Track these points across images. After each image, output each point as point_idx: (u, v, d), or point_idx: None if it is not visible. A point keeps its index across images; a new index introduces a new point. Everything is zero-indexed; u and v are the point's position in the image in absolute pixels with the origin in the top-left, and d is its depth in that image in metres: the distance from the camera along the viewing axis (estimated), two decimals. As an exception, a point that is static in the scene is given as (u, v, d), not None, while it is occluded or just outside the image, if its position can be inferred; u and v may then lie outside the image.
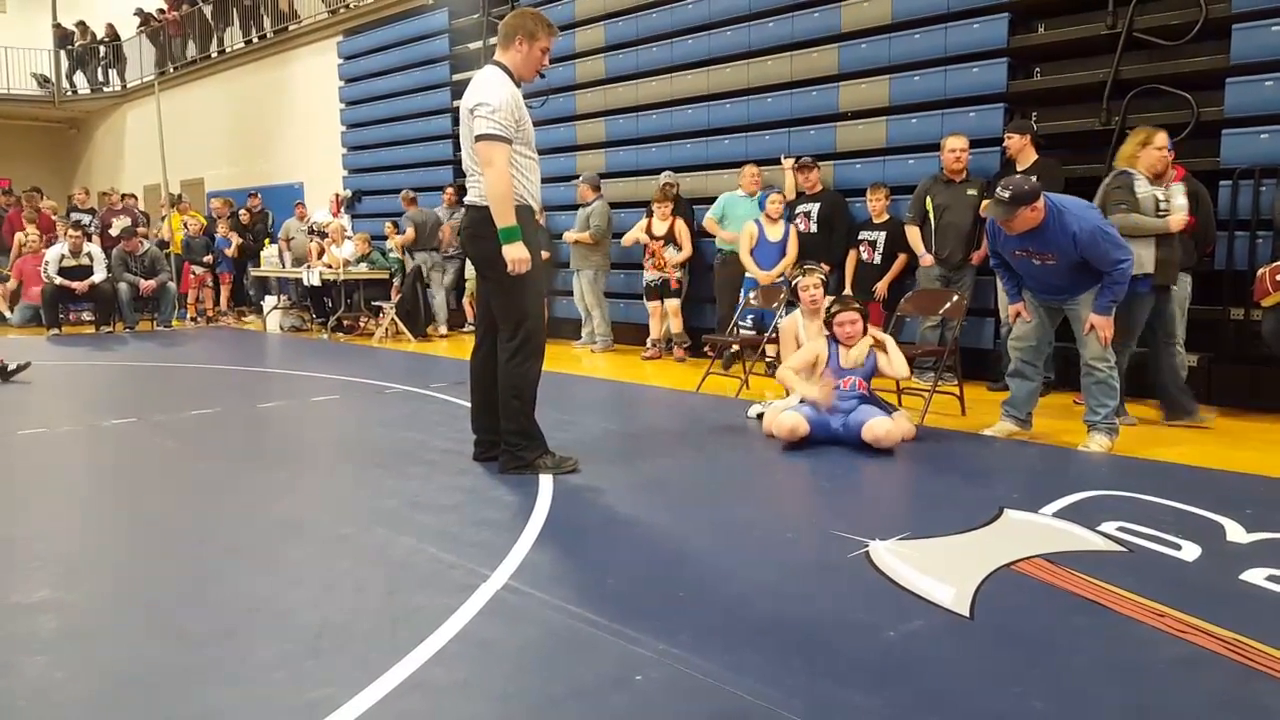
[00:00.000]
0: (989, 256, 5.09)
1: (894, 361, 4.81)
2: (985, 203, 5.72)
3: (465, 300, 10.96)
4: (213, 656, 2.31)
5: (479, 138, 3.87)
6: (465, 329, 10.93)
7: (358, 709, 2.01)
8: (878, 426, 4.42)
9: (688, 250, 8.27)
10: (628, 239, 8.56)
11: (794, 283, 5.34)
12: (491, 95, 3.89)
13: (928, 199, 6.64)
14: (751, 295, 6.98)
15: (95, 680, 2.22)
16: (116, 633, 2.50)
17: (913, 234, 6.74)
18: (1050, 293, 4.72)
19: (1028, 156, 6.19)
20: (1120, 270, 4.43)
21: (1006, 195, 4.39)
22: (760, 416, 5.16)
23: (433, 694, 2.10)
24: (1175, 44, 6.10)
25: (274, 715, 2.01)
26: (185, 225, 13.04)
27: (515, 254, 3.90)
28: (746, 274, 7.38)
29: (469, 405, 4.40)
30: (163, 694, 2.12)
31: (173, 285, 11.85)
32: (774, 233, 7.13)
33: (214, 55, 17.52)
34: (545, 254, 8.99)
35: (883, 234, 7.03)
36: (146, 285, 11.15)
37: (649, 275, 8.39)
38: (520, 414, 4.13)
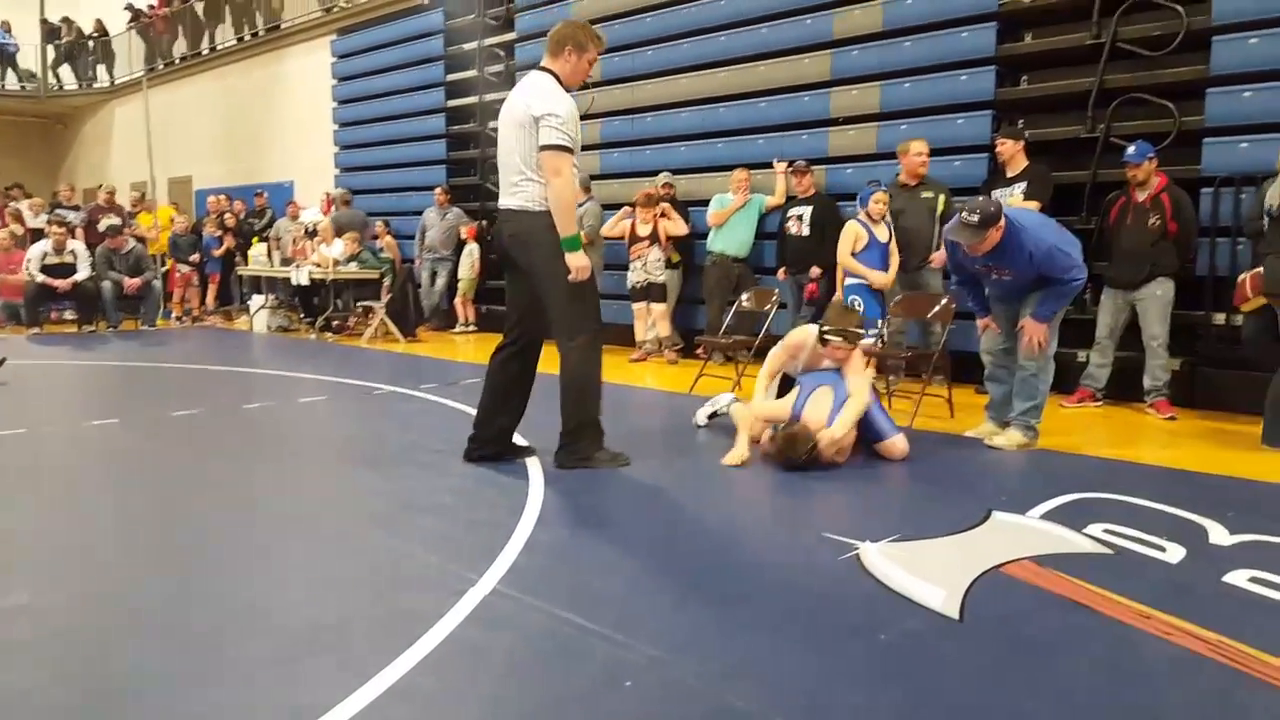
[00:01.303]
0: (949, 270, 5.16)
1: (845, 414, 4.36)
2: (855, 223, 6.06)
3: (457, 300, 10.98)
4: (198, 660, 2.29)
5: (548, 147, 3.93)
6: (456, 330, 10.96)
7: (346, 714, 2.00)
8: (894, 448, 4.47)
9: (683, 228, 8.36)
10: (606, 228, 8.62)
11: (824, 333, 4.60)
12: (559, 106, 3.96)
13: None
14: (745, 298, 6.99)
15: (78, 684, 2.20)
16: (100, 636, 2.48)
17: None
18: (1006, 302, 4.83)
19: (1019, 163, 6.25)
20: (1072, 285, 4.52)
21: (975, 219, 4.39)
22: (713, 418, 5.20)
23: (421, 699, 2.10)
24: (1157, 54, 6.20)
25: (266, 718, 2.01)
26: (172, 222, 12.98)
27: (579, 261, 4.02)
28: (847, 282, 6.46)
29: (464, 407, 4.41)
30: (147, 698, 2.11)
31: (157, 284, 11.74)
32: (882, 233, 6.47)
33: (205, 52, 17.46)
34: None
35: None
36: (131, 283, 11.05)
37: (633, 276, 8.44)
38: (588, 408, 4.23)
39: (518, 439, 4.48)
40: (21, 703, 2.09)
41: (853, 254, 6.33)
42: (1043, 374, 4.71)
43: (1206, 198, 5.85)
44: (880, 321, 6.26)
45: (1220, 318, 5.81)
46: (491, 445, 4.37)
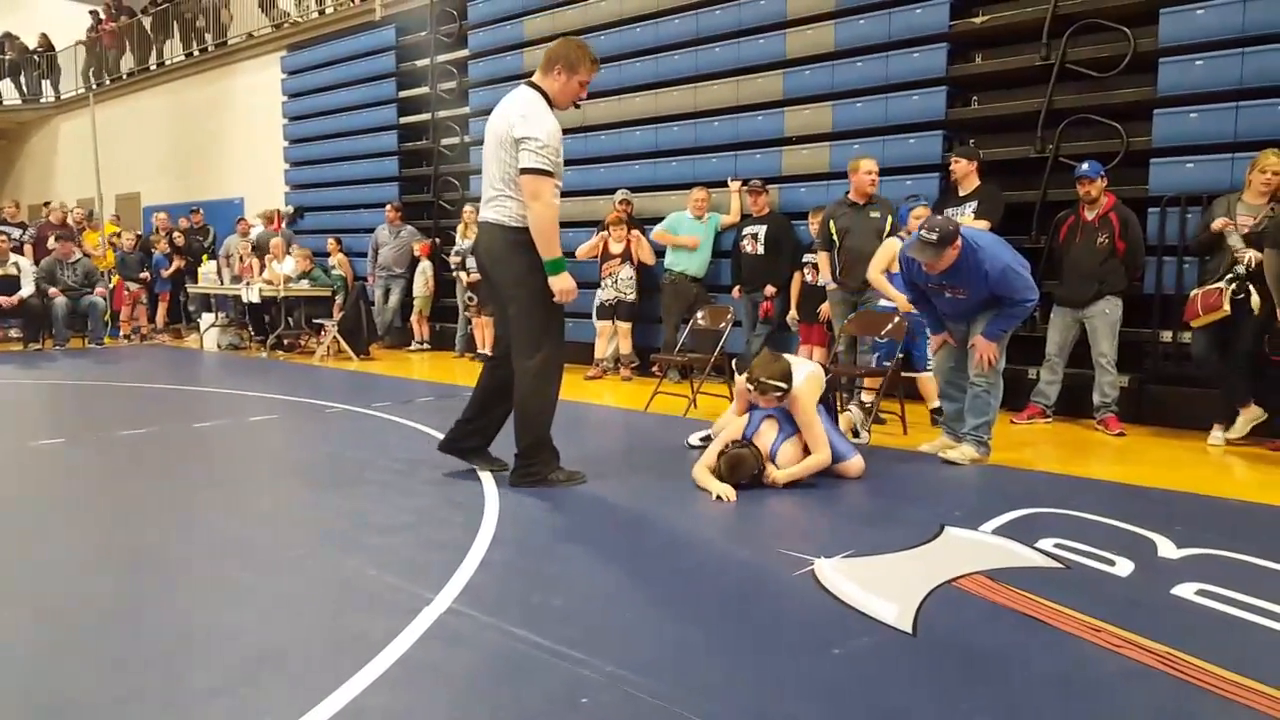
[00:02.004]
0: (903, 287, 5.12)
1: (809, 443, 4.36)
2: (897, 241, 5.64)
3: (413, 318, 10.87)
4: (146, 684, 2.24)
5: (527, 171, 3.88)
6: (411, 347, 10.84)
7: None
8: (850, 469, 4.44)
9: (651, 258, 8.38)
10: (583, 250, 8.56)
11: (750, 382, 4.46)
12: (539, 128, 3.90)
13: (831, 224, 6.62)
14: (700, 316, 6.99)
15: (19, 710, 2.13)
16: (44, 660, 2.41)
17: (821, 259, 6.75)
18: (957, 320, 4.88)
19: (971, 182, 6.32)
20: (1023, 308, 4.59)
21: (934, 238, 4.44)
22: (706, 441, 5.10)
23: None
24: (1105, 75, 6.33)
25: None
26: (119, 238, 12.70)
27: (563, 285, 3.99)
28: (880, 301, 6.15)
29: (419, 425, 4.37)
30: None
31: (101, 301, 11.49)
32: None
33: (153, 68, 17.19)
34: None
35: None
36: (56, 292, 10.71)
37: (604, 294, 8.41)
38: (535, 431, 4.18)
39: (492, 452, 4.49)
40: None
41: (887, 273, 5.93)
42: (993, 390, 4.76)
43: (1154, 217, 5.96)
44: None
45: (1167, 335, 5.92)
46: (467, 440, 4.41)
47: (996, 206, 6.16)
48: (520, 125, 3.92)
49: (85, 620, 2.67)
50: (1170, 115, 5.93)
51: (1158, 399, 6.09)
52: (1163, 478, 4.57)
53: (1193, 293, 5.35)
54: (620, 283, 8.33)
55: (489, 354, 4.43)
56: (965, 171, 6.31)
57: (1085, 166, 5.81)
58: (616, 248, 8.33)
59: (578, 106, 4.30)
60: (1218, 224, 5.26)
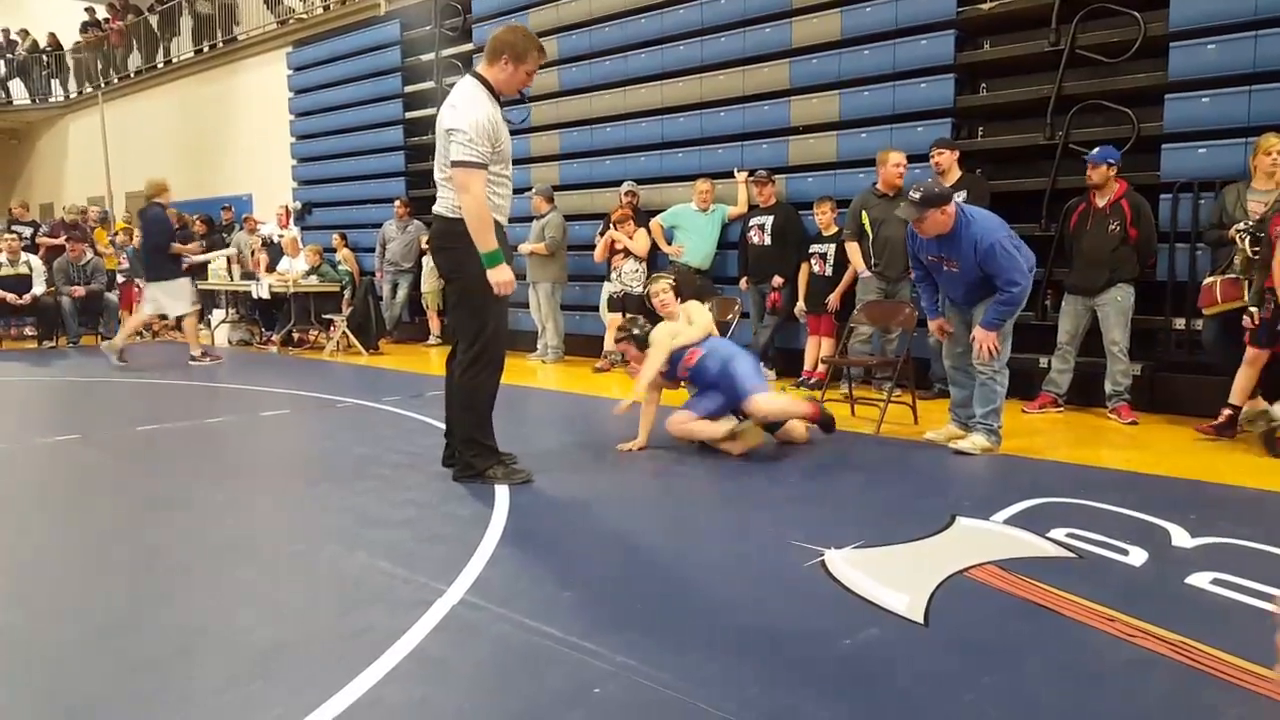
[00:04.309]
0: (910, 262, 5.21)
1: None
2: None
3: (429, 313, 10.84)
4: (160, 679, 2.25)
5: (454, 163, 3.85)
6: (429, 342, 10.80)
7: None
8: (758, 404, 4.67)
9: (642, 248, 8.28)
10: (599, 254, 8.54)
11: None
12: (466, 119, 3.85)
13: (864, 214, 6.71)
14: (707, 308, 6.95)
15: (36, 705, 2.15)
16: (59, 656, 2.42)
17: (851, 248, 6.80)
18: (962, 301, 4.87)
19: (954, 173, 6.32)
20: (1010, 293, 4.55)
21: (917, 197, 4.58)
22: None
23: (387, 713, 2.06)
24: (1116, 61, 6.26)
25: None
26: (131, 236, 12.73)
27: (500, 277, 3.95)
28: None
29: (427, 419, 4.38)
30: (114, 717, 2.07)
31: (112, 297, 11.55)
32: None
33: (160, 66, 17.22)
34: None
35: (832, 246, 7.10)
36: (79, 291, 10.82)
37: (611, 287, 8.39)
38: (472, 424, 4.13)
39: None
40: None
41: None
42: (999, 378, 4.74)
43: (1166, 203, 5.90)
44: None
45: (1180, 323, 5.86)
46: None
47: (983, 195, 6.17)
48: (449, 117, 3.89)
49: (102, 617, 2.68)
50: (1182, 100, 5.86)
51: (1170, 387, 6.03)
52: (1176, 466, 4.53)
53: (1208, 279, 5.29)
54: (626, 275, 8.30)
55: (449, 355, 4.36)
56: (949, 163, 6.31)
57: (1095, 152, 5.76)
58: (621, 241, 8.29)
59: (522, 96, 4.26)
60: (1231, 233, 5.16)
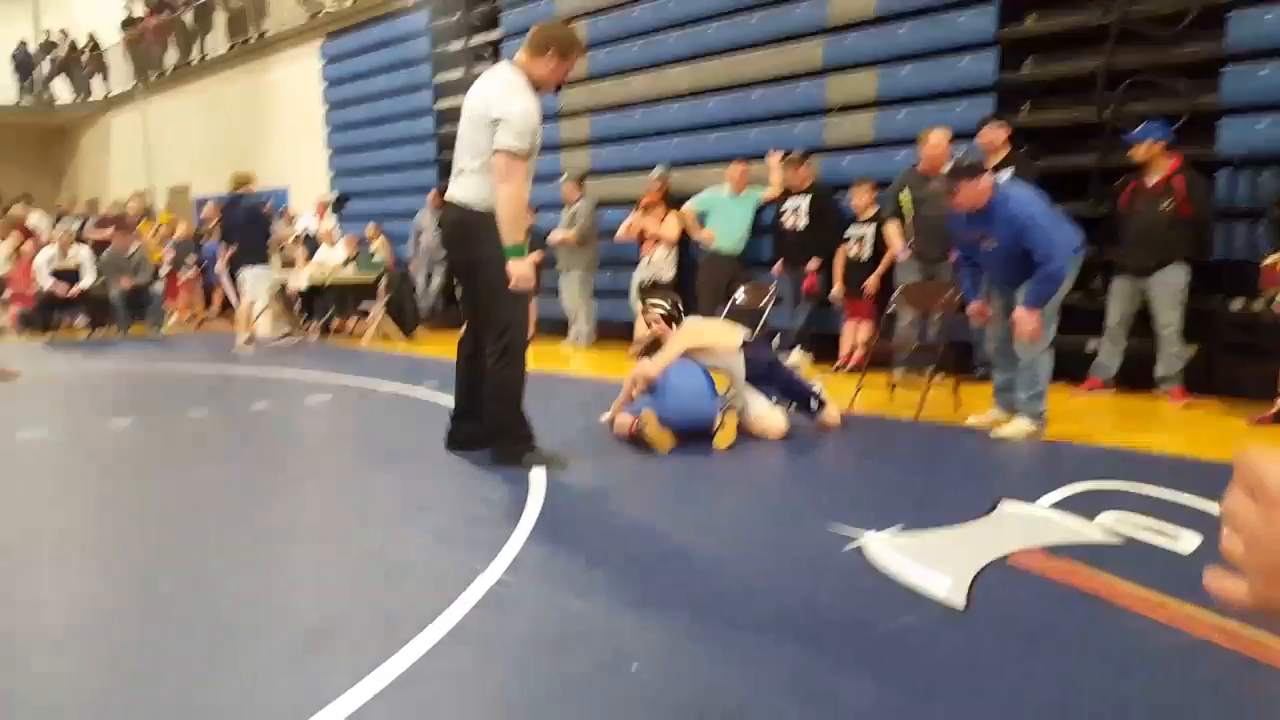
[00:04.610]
0: (954, 243, 5.12)
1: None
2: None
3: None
4: (215, 652, 2.32)
5: (500, 151, 3.80)
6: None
7: (356, 702, 2.00)
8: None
9: (671, 233, 8.15)
10: (621, 233, 8.45)
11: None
12: (516, 108, 3.82)
13: (905, 193, 6.56)
14: (740, 294, 6.89)
15: (97, 676, 2.25)
16: (118, 629, 2.52)
17: (891, 228, 6.67)
18: (1004, 282, 4.73)
19: (1001, 152, 6.13)
20: (1045, 270, 4.38)
21: (949, 168, 4.58)
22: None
23: (430, 687, 2.10)
24: (1169, 32, 6.02)
25: (274, 710, 2.01)
26: (172, 229, 12.92)
27: (522, 270, 3.92)
28: None
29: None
30: (164, 689, 2.13)
31: (157, 288, 11.74)
32: None
33: (196, 61, 17.42)
34: (537, 257, 8.92)
35: (870, 229, 6.95)
36: (128, 281, 11.04)
37: (642, 274, 8.30)
38: (504, 415, 4.14)
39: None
40: (44, 694, 2.16)
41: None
42: (1041, 361, 4.59)
43: (1223, 180, 5.68)
44: None
45: (1237, 304, 5.64)
46: (469, 439, 4.36)
47: (1030, 174, 5.96)
48: (498, 105, 3.84)
49: (157, 594, 2.76)
50: (1240, 72, 5.62)
51: (1226, 370, 5.82)
52: (1229, 451, 4.35)
53: (1271, 258, 5.08)
54: (656, 262, 8.20)
55: (460, 340, 4.37)
56: (999, 141, 6.13)
57: (1137, 130, 5.56)
58: (651, 228, 8.19)
59: (557, 92, 4.24)
60: None
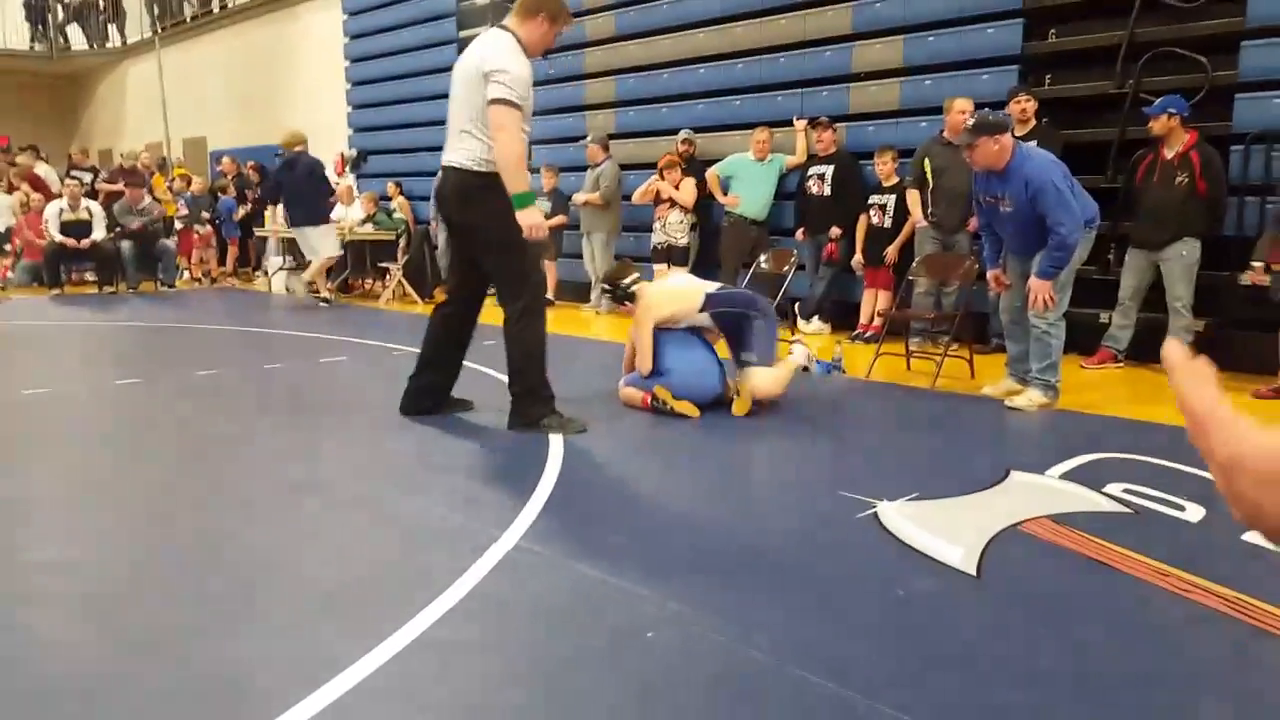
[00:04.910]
0: (974, 206, 5.15)
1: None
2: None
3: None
4: (229, 614, 2.34)
5: (496, 101, 3.83)
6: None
7: (373, 664, 2.03)
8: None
9: (688, 198, 8.14)
10: (639, 194, 8.50)
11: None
12: (511, 63, 3.88)
13: (926, 161, 6.60)
14: (763, 260, 6.96)
15: (113, 637, 2.25)
16: (132, 591, 2.53)
17: (912, 196, 6.73)
18: (1019, 250, 4.80)
19: (1030, 123, 6.19)
20: (1059, 234, 4.44)
21: (972, 123, 4.61)
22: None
23: (446, 651, 2.14)
24: (1191, 5, 6.02)
25: (291, 670, 2.03)
26: (188, 184, 12.95)
27: (531, 219, 3.93)
28: None
29: (483, 368, 4.44)
30: (180, 650, 2.15)
31: (170, 244, 11.76)
32: None
33: (216, 10, 17.33)
34: (560, 220, 8.94)
35: (892, 197, 7.00)
36: (139, 225, 11.08)
37: (656, 237, 8.35)
38: (530, 374, 4.17)
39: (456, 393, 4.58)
40: (58, 651, 2.16)
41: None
42: (1054, 332, 4.67)
43: (1237, 155, 5.71)
44: None
45: (1247, 278, 5.70)
46: (426, 397, 4.41)
47: (1055, 145, 6.00)
48: (491, 59, 3.89)
49: (166, 556, 2.81)
50: (1259, 47, 5.63)
51: (1235, 344, 5.88)
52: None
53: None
54: (670, 226, 8.20)
55: (443, 299, 4.42)
56: (1028, 112, 6.18)
57: (1156, 103, 5.58)
58: (667, 191, 8.18)
59: (545, 57, 4.29)
60: None
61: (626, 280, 4.84)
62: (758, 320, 4.60)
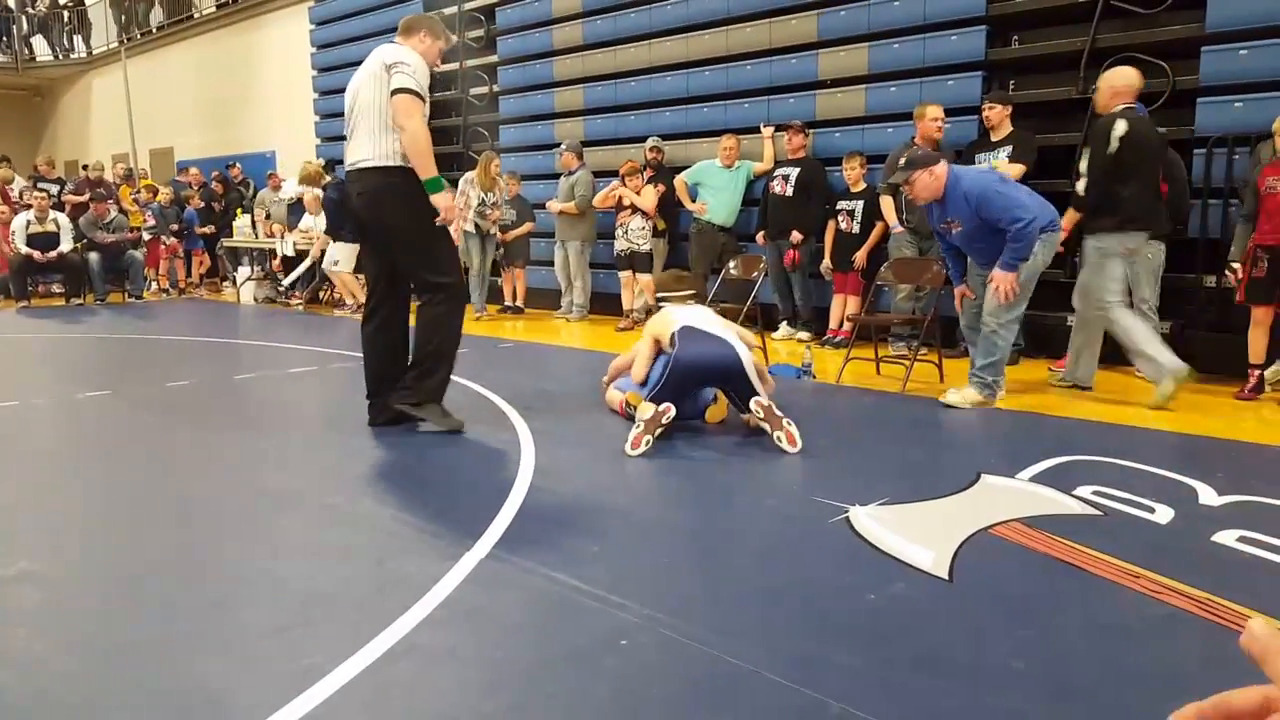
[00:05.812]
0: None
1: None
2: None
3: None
4: (201, 627, 2.31)
5: (401, 91, 3.93)
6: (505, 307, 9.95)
7: (348, 674, 2.02)
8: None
9: (649, 203, 8.15)
10: (599, 199, 8.49)
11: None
12: (412, 58, 4.04)
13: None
14: (733, 265, 6.97)
15: (81, 652, 2.21)
16: (101, 604, 2.49)
17: (886, 202, 6.76)
18: (983, 263, 4.86)
19: (1005, 127, 6.25)
20: (1017, 228, 4.53)
21: (903, 162, 4.71)
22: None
23: (422, 659, 2.12)
24: (1151, 12, 6.11)
25: (265, 683, 2.01)
26: (153, 193, 12.79)
27: (444, 201, 4.03)
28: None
29: (454, 376, 4.40)
30: (151, 665, 2.12)
31: (139, 255, 11.64)
32: None
33: (182, 21, 17.16)
34: (526, 228, 8.90)
35: (860, 203, 7.03)
36: (108, 238, 10.96)
37: (619, 245, 8.34)
38: (440, 367, 4.23)
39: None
40: (27, 668, 2.12)
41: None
42: (1003, 333, 4.73)
43: (1199, 159, 5.79)
44: None
45: (1211, 280, 5.79)
46: (388, 409, 4.39)
47: (1030, 151, 6.15)
48: (392, 55, 4.03)
49: (137, 569, 2.75)
50: (1219, 53, 5.72)
51: (1200, 345, 5.96)
52: (1204, 425, 4.51)
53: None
54: (632, 233, 8.19)
55: (364, 316, 4.43)
56: (1001, 117, 6.25)
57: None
58: (629, 197, 8.17)
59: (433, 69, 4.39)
60: None
61: (672, 296, 4.93)
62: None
